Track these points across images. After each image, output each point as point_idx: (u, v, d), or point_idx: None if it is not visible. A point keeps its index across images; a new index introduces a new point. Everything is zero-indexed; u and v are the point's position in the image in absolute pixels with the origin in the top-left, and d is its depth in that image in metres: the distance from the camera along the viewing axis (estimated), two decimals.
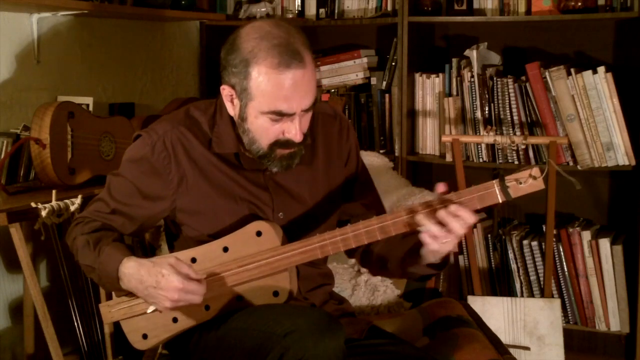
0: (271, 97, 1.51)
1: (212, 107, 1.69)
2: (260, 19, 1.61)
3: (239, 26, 1.59)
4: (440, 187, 1.48)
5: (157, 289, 1.51)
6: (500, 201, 1.46)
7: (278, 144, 1.57)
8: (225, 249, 1.59)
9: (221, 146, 1.65)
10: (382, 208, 1.81)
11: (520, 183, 1.44)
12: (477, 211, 1.49)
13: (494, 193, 1.45)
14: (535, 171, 1.44)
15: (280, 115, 1.53)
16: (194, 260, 1.60)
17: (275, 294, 1.58)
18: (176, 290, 1.50)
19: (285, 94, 1.50)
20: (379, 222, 1.51)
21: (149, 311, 1.62)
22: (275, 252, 1.56)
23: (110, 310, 1.68)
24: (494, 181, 1.46)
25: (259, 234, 1.57)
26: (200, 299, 1.53)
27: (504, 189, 1.45)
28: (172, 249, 1.80)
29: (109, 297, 1.76)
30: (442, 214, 1.44)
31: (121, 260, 1.55)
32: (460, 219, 1.44)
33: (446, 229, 1.44)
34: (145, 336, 1.65)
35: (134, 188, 1.65)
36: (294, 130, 1.54)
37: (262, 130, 1.56)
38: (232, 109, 1.60)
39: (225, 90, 1.59)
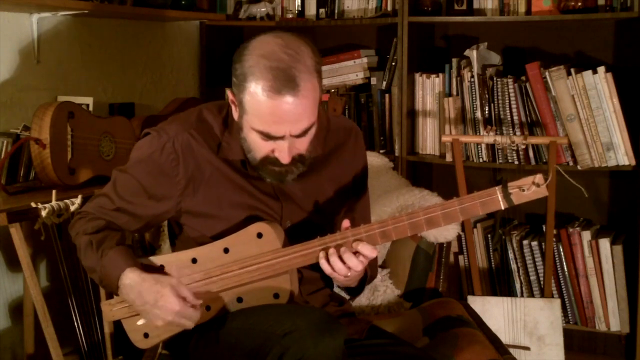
0: (260, 118, 1.50)
1: (225, 110, 1.68)
2: (274, 32, 1.57)
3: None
4: (345, 223, 1.54)
5: (154, 306, 1.52)
6: (503, 208, 1.47)
7: (268, 160, 1.57)
8: (226, 250, 1.59)
9: (229, 152, 1.64)
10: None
11: (523, 190, 1.44)
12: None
13: (496, 200, 1.46)
14: (539, 178, 1.44)
15: (268, 137, 1.53)
16: (194, 260, 1.60)
17: (276, 295, 1.58)
18: (172, 312, 1.51)
19: (273, 119, 1.49)
20: (380, 226, 1.52)
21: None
22: (276, 254, 1.56)
23: (112, 309, 1.68)
24: (496, 188, 1.47)
25: (259, 235, 1.57)
26: (192, 325, 1.55)
27: (506, 195, 1.45)
28: (174, 247, 1.81)
29: (109, 297, 1.76)
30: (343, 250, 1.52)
31: (124, 270, 1.55)
32: (360, 256, 1.51)
33: (346, 265, 1.52)
34: (146, 335, 1.66)
35: (140, 187, 1.64)
36: (282, 153, 1.54)
37: (254, 144, 1.57)
38: (235, 114, 1.60)
39: (230, 96, 1.59)
